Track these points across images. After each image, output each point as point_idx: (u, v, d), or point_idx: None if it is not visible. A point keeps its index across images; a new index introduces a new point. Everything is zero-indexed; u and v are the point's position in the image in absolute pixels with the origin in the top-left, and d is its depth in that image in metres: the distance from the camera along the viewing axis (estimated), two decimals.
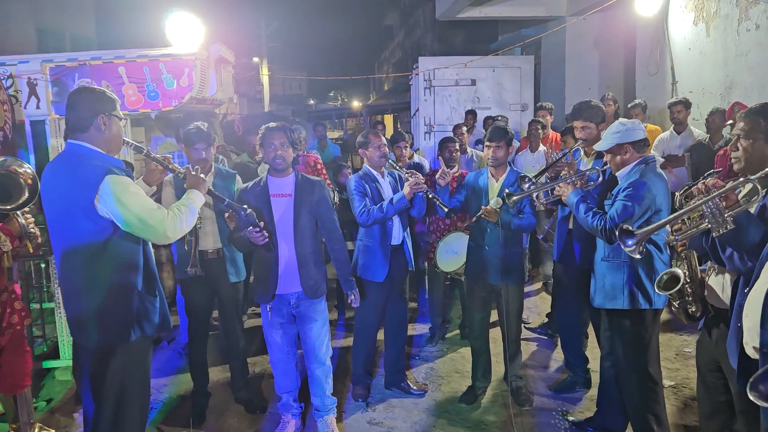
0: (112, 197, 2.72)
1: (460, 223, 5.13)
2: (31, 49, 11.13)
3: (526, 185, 3.90)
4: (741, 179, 2.37)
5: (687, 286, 2.89)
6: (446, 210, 4.15)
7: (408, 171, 4.20)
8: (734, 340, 2.50)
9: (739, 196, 2.47)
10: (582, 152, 4.28)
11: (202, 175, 3.21)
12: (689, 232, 2.48)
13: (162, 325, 3.04)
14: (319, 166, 6.09)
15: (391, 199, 4.16)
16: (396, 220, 4.31)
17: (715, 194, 2.32)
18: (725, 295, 2.72)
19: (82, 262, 2.79)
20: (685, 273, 2.86)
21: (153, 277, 3.01)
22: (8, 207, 3.50)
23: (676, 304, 3.00)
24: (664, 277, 2.83)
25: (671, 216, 2.57)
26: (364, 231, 4.32)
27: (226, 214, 4.02)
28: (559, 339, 5.06)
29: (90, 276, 2.80)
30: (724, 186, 2.39)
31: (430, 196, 4.13)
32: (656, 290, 2.91)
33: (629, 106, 7.02)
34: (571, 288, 4.38)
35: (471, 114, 8.73)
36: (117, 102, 2.97)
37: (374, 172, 4.34)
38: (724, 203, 2.33)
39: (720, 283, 2.77)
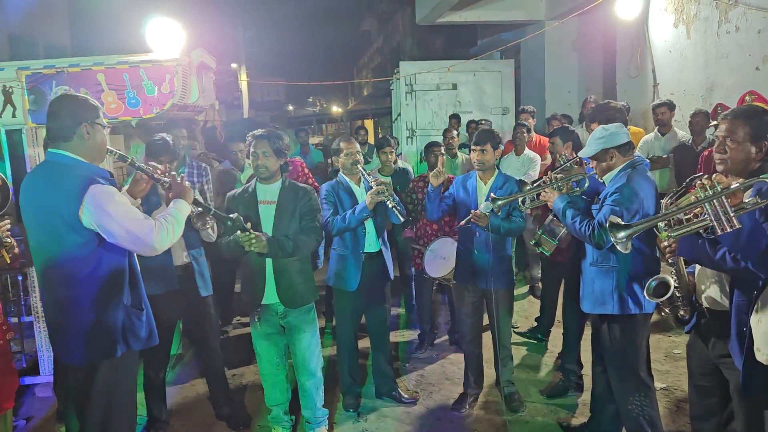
0: (98, 208, 2.64)
1: (447, 228, 5.09)
2: (3, 58, 10.90)
3: (526, 190, 3.85)
4: (754, 179, 2.31)
5: (676, 290, 2.87)
6: (401, 220, 4.07)
7: (375, 179, 4.10)
8: (737, 342, 2.48)
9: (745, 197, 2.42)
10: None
11: (188, 184, 3.12)
12: (686, 229, 2.41)
13: (149, 340, 2.94)
14: (306, 171, 6.02)
15: (354, 208, 4.08)
16: (370, 227, 4.24)
17: (723, 191, 2.26)
18: (722, 295, 2.69)
19: (65, 275, 2.70)
20: (674, 278, 2.83)
21: (139, 289, 2.92)
22: None
23: (666, 310, 2.98)
24: (653, 283, 2.81)
25: (668, 211, 2.51)
26: (336, 239, 4.26)
27: (194, 221, 3.90)
28: (561, 342, 4.99)
29: (74, 290, 2.71)
30: (728, 182, 2.35)
31: (390, 205, 4.01)
32: (646, 297, 2.89)
33: (653, 105, 7.00)
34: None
35: (455, 118, 8.70)
36: (100, 109, 2.89)
37: (347, 179, 4.28)
38: (729, 201, 2.27)
39: (715, 285, 2.74)
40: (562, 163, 3.97)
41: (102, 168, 2.88)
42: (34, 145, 4.56)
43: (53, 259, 2.70)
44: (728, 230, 2.21)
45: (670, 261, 2.85)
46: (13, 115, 4.50)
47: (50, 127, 2.78)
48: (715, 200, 2.24)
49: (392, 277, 4.43)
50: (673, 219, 2.48)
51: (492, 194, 3.92)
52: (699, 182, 2.32)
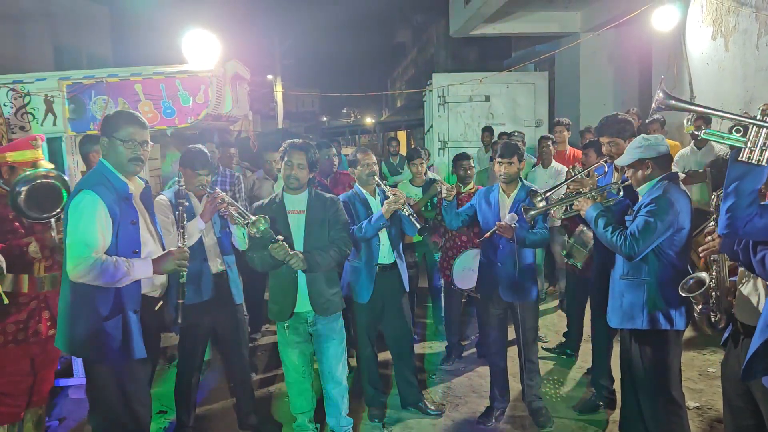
0: (69, 211, 2.86)
1: (477, 239, 5.06)
2: (48, 68, 11.27)
3: (538, 199, 3.85)
4: None
5: (712, 291, 2.81)
6: (418, 227, 4.05)
7: (392, 189, 4.10)
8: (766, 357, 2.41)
9: None
10: (613, 168, 4.18)
11: (174, 254, 3.07)
12: (717, 137, 2.34)
13: (126, 352, 2.96)
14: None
15: (370, 218, 4.11)
16: (384, 238, 4.23)
17: None
18: (759, 310, 2.62)
19: (64, 271, 2.89)
20: (712, 277, 2.78)
21: (119, 301, 2.94)
22: (44, 216, 3.46)
23: (698, 309, 2.91)
24: (690, 281, 2.76)
25: (719, 110, 2.46)
26: (352, 251, 4.27)
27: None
28: (591, 357, 4.92)
29: (65, 287, 2.92)
30: None
31: (406, 213, 4.02)
32: (680, 292, 2.84)
33: (647, 121, 6.95)
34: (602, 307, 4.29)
35: (488, 131, 8.66)
36: (125, 124, 3.03)
37: (363, 191, 4.30)
38: None
39: (754, 299, 2.67)
40: (573, 174, 3.94)
41: (124, 181, 3.04)
42: (73, 153, 4.69)
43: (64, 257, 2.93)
44: (753, 161, 2.16)
45: (712, 258, 2.79)
46: (54, 124, 4.65)
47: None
48: (765, 128, 2.15)
49: (408, 289, 4.40)
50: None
51: (524, 205, 3.91)
52: (765, 105, 2.23)
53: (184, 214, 3.29)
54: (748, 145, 2.18)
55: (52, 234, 3.56)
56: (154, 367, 3.40)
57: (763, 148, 2.15)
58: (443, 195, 4.26)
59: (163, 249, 3.20)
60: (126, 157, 3.01)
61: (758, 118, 2.17)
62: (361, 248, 4.22)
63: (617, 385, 4.37)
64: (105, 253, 2.88)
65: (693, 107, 2.52)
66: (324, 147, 5.75)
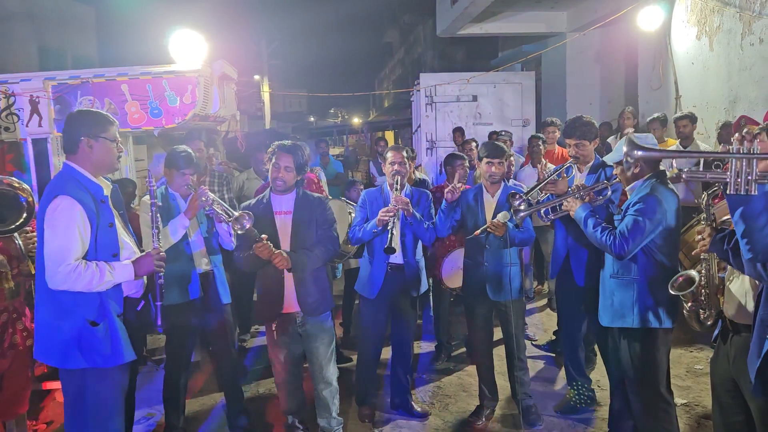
0: (47, 218, 2.77)
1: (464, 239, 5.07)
2: (33, 69, 11.17)
3: (517, 202, 3.84)
4: None
5: (702, 289, 2.83)
6: (386, 247, 3.95)
7: (396, 197, 4.04)
8: (756, 355, 2.43)
9: None
10: (575, 168, 4.24)
11: (153, 255, 3.01)
12: (699, 175, 2.34)
13: (114, 357, 2.90)
14: (320, 185, 6.04)
15: (366, 224, 4.16)
16: (396, 240, 4.18)
17: (759, 154, 2.12)
18: (747, 308, 2.64)
19: (40, 278, 2.83)
20: (701, 274, 2.80)
21: (105, 307, 2.90)
22: (7, 228, 3.44)
23: (688, 306, 2.93)
24: (680, 278, 2.78)
25: (700, 151, 2.46)
26: (366, 246, 4.31)
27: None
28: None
29: (43, 295, 2.84)
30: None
31: (389, 227, 3.96)
32: (670, 290, 2.86)
33: (648, 120, 6.96)
34: (573, 305, 4.32)
35: (459, 131, 8.71)
36: (110, 125, 2.97)
37: (388, 189, 4.29)
38: (759, 166, 2.16)
39: (742, 296, 2.69)
40: (547, 175, 3.97)
41: (94, 181, 2.95)
42: (59, 154, 4.66)
43: (39, 265, 2.84)
44: (742, 192, 2.13)
45: (702, 257, 2.81)
46: (39, 125, 4.62)
47: (62, 139, 2.97)
48: (744, 161, 2.13)
49: (419, 293, 4.38)
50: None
51: (514, 206, 3.90)
52: (738, 135, 2.19)
53: (158, 215, 3.18)
54: (732, 179, 2.16)
55: (17, 243, 3.54)
56: (135, 370, 3.36)
57: (748, 178, 2.12)
58: (446, 196, 4.20)
59: (140, 249, 3.16)
60: (115, 156, 3.00)
61: (734, 148, 2.14)
62: (372, 245, 4.23)
63: (601, 384, 4.42)
64: (84, 258, 2.82)
65: (665, 154, 2.48)
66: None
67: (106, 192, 3.00)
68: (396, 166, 4.18)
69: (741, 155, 2.12)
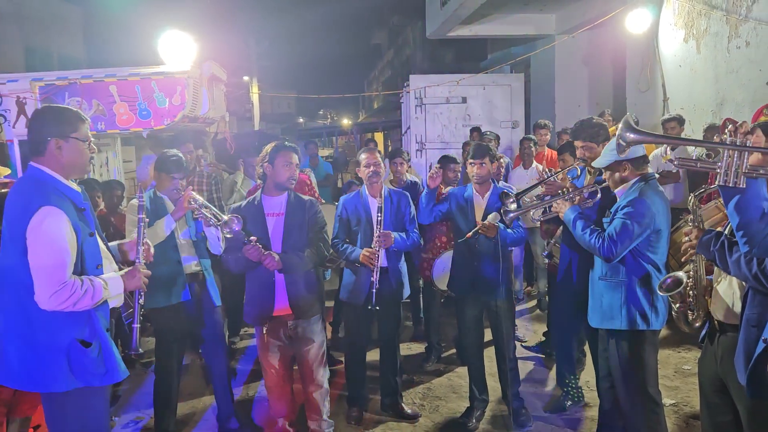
0: (32, 231, 2.48)
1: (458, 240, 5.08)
2: (18, 69, 11.05)
3: (509, 202, 3.86)
4: None
5: (689, 290, 2.85)
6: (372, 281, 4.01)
7: (378, 235, 3.99)
8: (742, 355, 2.45)
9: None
10: (587, 171, 4.23)
11: (140, 271, 2.85)
12: (691, 164, 2.33)
13: (106, 376, 2.70)
14: (312, 186, 6.04)
15: (353, 251, 4.11)
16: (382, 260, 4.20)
17: (750, 147, 2.14)
18: (735, 309, 2.66)
19: (12, 297, 2.57)
20: (689, 275, 2.82)
21: (95, 323, 2.68)
22: None
23: (676, 307, 2.95)
24: (668, 280, 2.80)
25: (692, 139, 2.46)
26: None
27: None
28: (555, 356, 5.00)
29: (19, 315, 2.56)
30: (760, 142, 2.29)
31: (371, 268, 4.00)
32: (659, 291, 2.88)
33: (662, 120, 6.92)
34: (569, 305, 4.33)
35: (477, 131, 8.60)
36: (81, 123, 2.71)
37: (366, 193, 4.28)
38: (749, 160, 2.17)
39: (729, 297, 2.72)
40: (546, 176, 3.99)
41: (72, 187, 2.70)
42: None
43: (3, 277, 2.59)
44: (730, 184, 2.15)
45: (690, 259, 2.83)
46: (26, 126, 4.56)
47: (28, 140, 2.69)
48: (736, 153, 2.14)
49: (404, 297, 4.38)
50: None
51: (504, 207, 3.92)
52: (732, 126, 2.21)
53: (144, 230, 2.99)
54: (723, 170, 2.17)
55: None
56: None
57: (738, 170, 2.14)
58: (428, 182, 4.20)
59: (113, 256, 2.96)
60: (87, 157, 2.74)
61: (726, 138, 2.15)
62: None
63: (591, 384, 4.44)
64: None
65: (659, 140, 2.49)
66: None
67: (84, 198, 2.76)
68: (372, 168, 4.17)
69: (733, 147, 2.14)
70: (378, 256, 4.00)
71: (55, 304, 2.49)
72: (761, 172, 2.17)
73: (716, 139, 4.99)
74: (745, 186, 2.17)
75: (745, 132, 2.17)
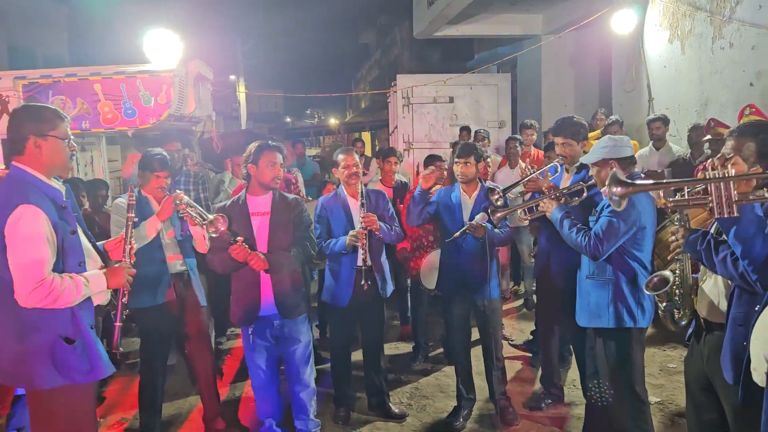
0: (10, 229, 2.49)
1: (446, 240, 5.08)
2: (3, 67, 10.94)
3: (495, 198, 3.88)
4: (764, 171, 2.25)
5: (676, 289, 2.87)
6: (356, 267, 4.01)
7: (363, 216, 3.99)
8: (729, 354, 2.47)
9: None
10: (560, 168, 4.27)
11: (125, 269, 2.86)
12: (683, 202, 2.35)
13: (91, 373, 2.71)
14: (298, 186, 6.02)
15: (337, 240, 4.10)
16: (367, 254, 4.18)
17: (734, 176, 2.16)
18: (721, 308, 2.68)
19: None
20: (675, 275, 2.83)
21: (78, 321, 2.68)
22: None
23: (662, 306, 2.97)
24: (654, 279, 2.81)
25: (677, 180, 2.49)
26: (331, 257, 4.26)
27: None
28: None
29: (1, 312, 2.58)
30: (742, 169, 2.31)
31: (360, 252, 3.99)
32: (645, 290, 2.89)
33: (606, 123, 7.08)
34: (552, 304, 4.36)
35: (465, 130, 8.61)
36: (60, 121, 2.69)
37: (345, 193, 4.26)
38: (736, 188, 2.19)
39: (715, 295, 2.74)
40: (528, 174, 4.02)
41: (53, 186, 2.70)
42: None
43: None
44: (725, 215, 2.16)
45: (676, 258, 2.85)
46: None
47: (8, 140, 2.67)
48: (721, 184, 2.16)
49: (388, 294, 4.37)
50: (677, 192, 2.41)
51: (491, 206, 3.93)
52: (711, 161, 2.25)
53: (132, 230, 2.97)
54: (715, 203, 2.18)
55: None
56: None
57: (729, 200, 2.15)
58: (420, 182, 4.18)
59: (99, 253, 2.96)
60: (67, 155, 2.72)
61: (708, 174, 2.17)
62: (340, 257, 4.17)
63: (579, 382, 4.47)
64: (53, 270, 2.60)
65: (645, 188, 2.52)
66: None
67: (66, 196, 2.76)
68: (352, 169, 4.15)
69: (716, 180, 2.15)
70: (365, 235, 3.97)
71: (34, 300, 2.51)
72: (751, 198, 2.18)
73: (700, 143, 5.02)
74: (738, 215, 2.18)
75: (723, 161, 2.20)
